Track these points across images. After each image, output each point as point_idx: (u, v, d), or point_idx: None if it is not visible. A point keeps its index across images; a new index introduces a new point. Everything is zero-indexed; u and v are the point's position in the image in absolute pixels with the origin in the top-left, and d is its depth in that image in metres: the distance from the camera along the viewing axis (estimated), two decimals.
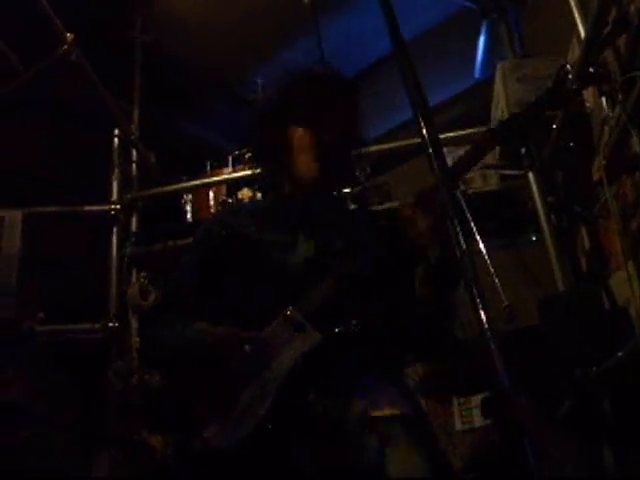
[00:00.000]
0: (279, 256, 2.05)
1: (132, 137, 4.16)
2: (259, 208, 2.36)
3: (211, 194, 4.00)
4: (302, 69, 2.25)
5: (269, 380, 1.86)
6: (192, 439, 1.94)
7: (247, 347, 1.90)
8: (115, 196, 4.00)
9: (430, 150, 1.46)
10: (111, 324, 3.73)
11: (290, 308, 1.90)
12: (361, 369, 1.93)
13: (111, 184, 4.04)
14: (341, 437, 1.83)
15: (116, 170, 4.06)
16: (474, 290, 1.31)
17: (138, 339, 3.76)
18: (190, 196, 4.05)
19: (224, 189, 3.97)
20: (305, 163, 2.12)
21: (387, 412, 1.88)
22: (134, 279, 3.87)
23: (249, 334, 1.91)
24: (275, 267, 2.03)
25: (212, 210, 3.96)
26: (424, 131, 1.48)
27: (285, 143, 2.15)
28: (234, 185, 3.94)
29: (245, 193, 3.85)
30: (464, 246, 1.36)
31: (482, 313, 1.29)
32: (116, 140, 4.14)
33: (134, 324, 3.79)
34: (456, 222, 1.38)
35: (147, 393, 3.66)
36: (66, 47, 3.47)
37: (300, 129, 2.14)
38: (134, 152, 4.24)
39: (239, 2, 4.89)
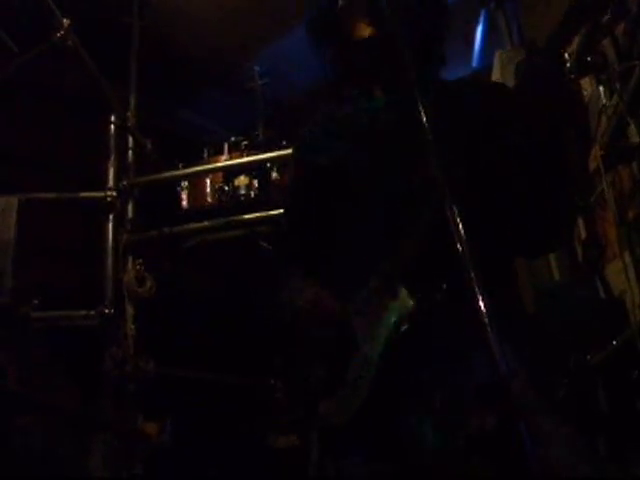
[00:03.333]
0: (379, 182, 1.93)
1: (128, 124, 4.14)
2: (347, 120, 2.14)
3: (207, 181, 3.99)
4: None
5: (367, 353, 1.79)
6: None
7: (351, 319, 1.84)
8: (111, 183, 3.98)
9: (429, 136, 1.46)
10: (107, 311, 3.72)
11: (384, 266, 1.80)
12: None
13: (107, 171, 4.02)
14: (458, 406, 1.74)
15: (112, 157, 4.05)
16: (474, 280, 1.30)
17: (133, 326, 3.77)
18: (186, 183, 4.05)
19: (221, 176, 3.96)
20: None
21: None
22: (130, 266, 3.87)
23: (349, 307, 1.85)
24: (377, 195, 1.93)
25: (208, 198, 3.95)
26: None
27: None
28: (231, 172, 3.94)
29: (242, 180, 3.85)
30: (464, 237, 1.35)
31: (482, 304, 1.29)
32: (112, 127, 4.11)
33: (130, 311, 3.80)
34: (456, 211, 1.38)
35: (142, 380, 3.67)
36: (62, 32, 3.45)
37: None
38: (130, 139, 4.22)
39: None
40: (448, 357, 1.76)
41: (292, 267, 2.15)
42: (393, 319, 1.76)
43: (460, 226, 1.35)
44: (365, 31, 1.98)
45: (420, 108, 1.55)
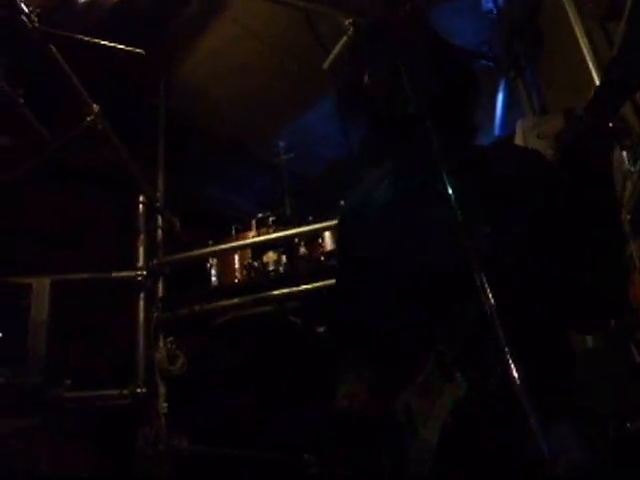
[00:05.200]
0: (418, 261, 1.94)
1: (157, 203, 4.21)
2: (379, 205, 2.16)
3: (236, 258, 4.02)
4: None
5: (427, 438, 1.77)
6: None
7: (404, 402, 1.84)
8: (141, 262, 4.03)
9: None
10: (139, 390, 3.72)
11: (439, 346, 1.78)
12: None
13: (137, 250, 4.07)
14: None
15: (142, 236, 4.10)
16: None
17: (166, 404, 3.76)
18: (215, 260, 4.08)
19: (249, 252, 3.99)
20: None
21: None
22: (161, 344, 3.88)
23: (382, 404, 1.86)
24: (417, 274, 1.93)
25: (237, 274, 3.98)
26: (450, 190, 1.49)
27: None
28: (259, 248, 3.97)
29: (270, 256, 3.88)
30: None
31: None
32: (141, 206, 4.18)
33: (162, 389, 3.79)
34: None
35: (176, 458, 3.65)
36: (92, 117, 3.54)
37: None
38: (159, 218, 4.28)
39: (259, 69, 4.97)
40: (503, 443, 1.74)
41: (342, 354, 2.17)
42: (449, 404, 1.75)
43: (494, 306, 1.34)
44: (392, 107, 1.97)
45: (451, 191, 1.59)
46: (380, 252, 2.02)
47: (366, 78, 2.04)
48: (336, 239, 2.34)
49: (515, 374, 1.26)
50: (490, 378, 1.69)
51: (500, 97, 4.83)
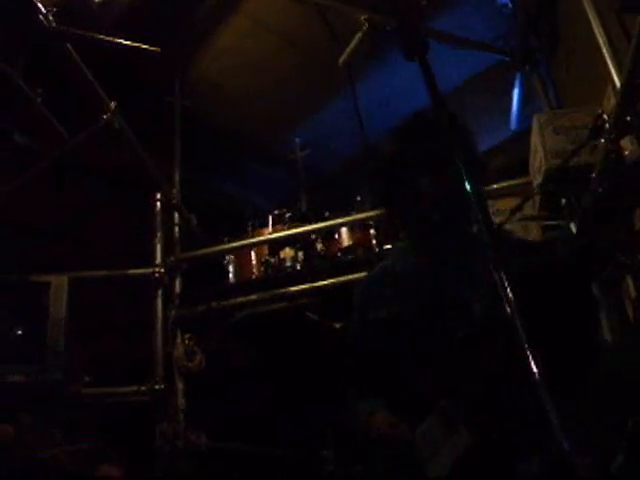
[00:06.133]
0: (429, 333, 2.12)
1: (174, 200, 4.23)
2: (399, 276, 2.38)
3: (253, 254, 4.04)
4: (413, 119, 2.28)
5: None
6: None
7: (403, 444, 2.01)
8: (158, 259, 4.05)
9: (477, 204, 1.48)
10: (157, 386, 3.74)
11: (444, 402, 1.95)
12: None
13: (154, 247, 4.08)
14: None
15: (158, 233, 4.12)
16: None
17: (184, 400, 3.78)
18: (232, 257, 4.09)
19: (266, 249, 4.00)
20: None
21: None
22: (179, 341, 3.90)
23: (404, 434, 2.02)
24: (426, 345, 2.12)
25: (254, 271, 3.99)
26: (468, 185, 1.50)
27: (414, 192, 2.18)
28: (275, 245, 3.98)
29: (287, 252, 3.89)
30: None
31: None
32: (158, 204, 4.20)
33: (180, 386, 3.81)
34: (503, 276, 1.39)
35: (194, 454, 3.66)
36: (109, 115, 3.55)
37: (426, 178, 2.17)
38: (176, 215, 4.29)
39: (274, 65, 4.97)
40: None
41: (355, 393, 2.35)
42: (453, 453, 1.89)
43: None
44: (426, 185, 2.15)
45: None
46: (395, 316, 2.22)
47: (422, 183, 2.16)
48: (355, 302, 2.45)
49: (535, 369, 1.26)
50: (493, 432, 1.86)
51: (516, 92, 4.80)
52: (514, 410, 1.83)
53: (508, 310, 1.35)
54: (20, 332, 3.62)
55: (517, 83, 4.76)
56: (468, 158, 1.96)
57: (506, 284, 1.37)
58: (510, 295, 1.36)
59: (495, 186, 3.72)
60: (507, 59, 4.61)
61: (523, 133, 4.11)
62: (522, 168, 3.71)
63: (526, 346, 1.29)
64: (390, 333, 2.20)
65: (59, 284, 3.70)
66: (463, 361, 1.96)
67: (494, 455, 1.87)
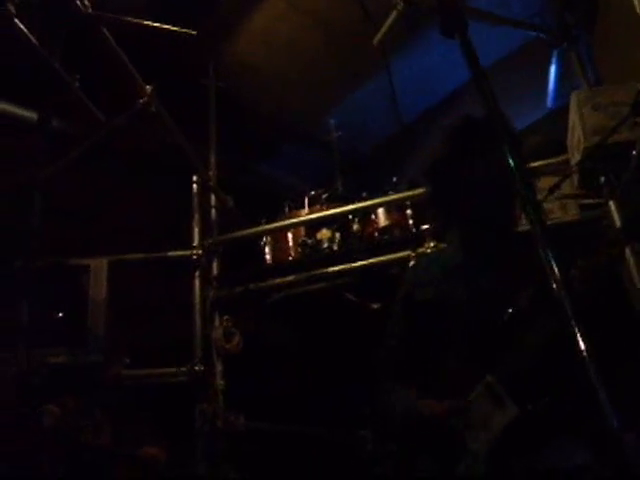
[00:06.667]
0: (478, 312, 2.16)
1: (210, 182, 4.24)
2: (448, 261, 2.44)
3: (290, 235, 4.04)
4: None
5: (477, 452, 1.95)
6: None
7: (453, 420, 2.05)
8: (196, 241, 4.06)
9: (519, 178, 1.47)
10: (197, 367, 3.77)
11: (489, 377, 2.00)
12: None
13: (192, 229, 4.10)
14: None
15: (196, 215, 4.13)
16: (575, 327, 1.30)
17: (222, 381, 3.81)
18: (269, 238, 4.10)
19: (302, 230, 4.00)
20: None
21: None
22: (217, 322, 3.92)
23: (454, 406, 2.06)
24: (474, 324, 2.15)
25: (291, 252, 4.00)
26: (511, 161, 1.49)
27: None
28: (312, 226, 3.98)
29: (324, 233, 3.88)
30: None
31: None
32: (195, 186, 4.21)
33: (219, 367, 3.84)
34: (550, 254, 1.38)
35: (233, 435, 3.70)
36: (146, 99, 3.57)
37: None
38: (213, 197, 4.31)
39: (308, 46, 4.96)
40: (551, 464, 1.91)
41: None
42: (498, 425, 1.93)
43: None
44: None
45: None
46: (442, 297, 2.27)
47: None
48: (404, 284, 2.49)
49: (582, 346, 1.26)
50: (540, 404, 1.91)
51: (553, 69, 4.74)
52: (561, 385, 1.86)
53: (556, 289, 1.34)
54: (60, 315, 3.67)
55: (554, 60, 4.70)
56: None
57: (554, 267, 1.36)
58: (558, 274, 1.35)
59: (534, 164, 3.67)
60: (544, 36, 4.55)
61: (560, 111, 4.07)
62: (559, 146, 3.67)
63: (574, 323, 1.28)
64: (436, 314, 2.24)
65: (98, 267, 3.74)
66: (509, 339, 1.99)
67: (540, 427, 1.91)
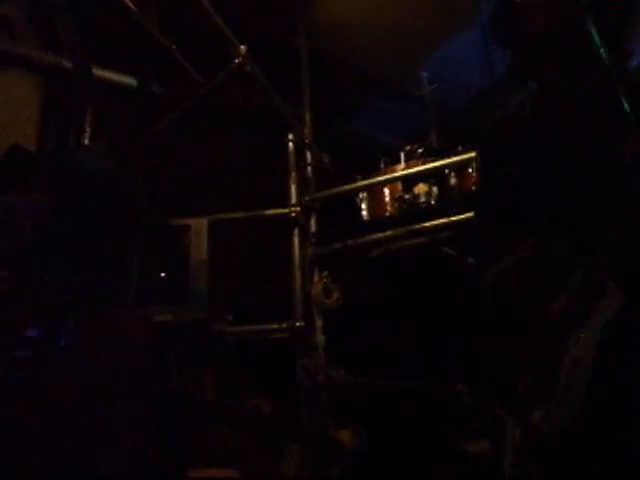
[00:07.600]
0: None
1: (305, 140, 4.26)
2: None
3: (386, 191, 4.03)
4: None
5: (581, 357, 1.76)
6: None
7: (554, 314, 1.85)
8: (294, 199, 4.11)
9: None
10: (297, 323, 3.83)
11: (590, 262, 1.80)
12: None
13: (289, 187, 4.15)
14: None
15: (293, 173, 4.17)
16: None
17: (323, 337, 3.86)
18: (365, 194, 4.11)
19: (399, 185, 3.99)
20: None
21: None
22: (317, 278, 3.97)
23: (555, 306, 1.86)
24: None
25: (388, 207, 4.00)
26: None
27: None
28: (409, 181, 3.97)
29: (421, 188, 3.86)
30: None
31: None
32: (290, 144, 4.24)
33: (319, 322, 3.89)
34: None
35: (334, 389, 3.75)
36: (241, 59, 3.60)
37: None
38: (308, 155, 4.34)
39: (399, 1, 4.90)
40: None
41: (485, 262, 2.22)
42: (602, 321, 1.72)
43: None
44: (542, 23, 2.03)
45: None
46: (522, 171, 2.08)
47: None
48: (479, 156, 2.35)
49: None
50: None
51: None
52: None
53: None
54: (163, 274, 3.76)
55: None
56: None
57: None
58: None
59: None
60: None
61: None
62: None
63: None
64: (523, 189, 2.07)
65: (199, 227, 3.81)
66: (604, 215, 1.80)
67: None
